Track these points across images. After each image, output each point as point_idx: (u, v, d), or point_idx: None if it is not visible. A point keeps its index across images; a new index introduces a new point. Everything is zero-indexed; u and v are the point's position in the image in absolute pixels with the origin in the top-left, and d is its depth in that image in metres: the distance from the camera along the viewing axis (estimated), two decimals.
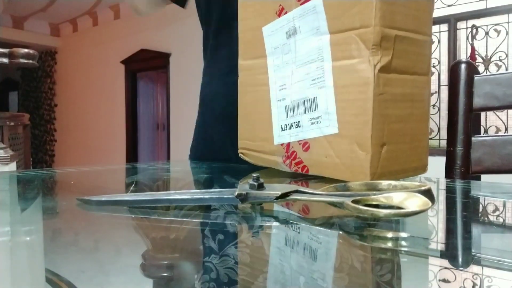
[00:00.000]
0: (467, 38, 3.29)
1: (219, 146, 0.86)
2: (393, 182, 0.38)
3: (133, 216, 0.39)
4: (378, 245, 0.31)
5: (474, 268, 0.26)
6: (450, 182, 0.64)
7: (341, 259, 0.27)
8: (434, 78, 3.44)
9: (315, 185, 0.52)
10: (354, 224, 0.34)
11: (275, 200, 0.36)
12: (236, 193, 0.37)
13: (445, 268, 0.26)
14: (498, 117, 3.14)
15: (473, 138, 0.74)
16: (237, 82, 0.66)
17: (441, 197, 0.50)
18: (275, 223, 0.36)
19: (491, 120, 3.17)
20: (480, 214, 0.43)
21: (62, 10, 6.25)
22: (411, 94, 0.52)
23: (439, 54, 3.40)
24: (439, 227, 0.38)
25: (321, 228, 0.34)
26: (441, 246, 0.31)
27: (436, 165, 0.74)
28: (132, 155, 6.17)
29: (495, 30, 3.17)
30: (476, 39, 3.24)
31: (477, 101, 0.74)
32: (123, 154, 6.18)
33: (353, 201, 0.32)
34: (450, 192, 0.55)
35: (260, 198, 0.37)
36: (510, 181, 0.56)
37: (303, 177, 0.58)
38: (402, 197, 0.33)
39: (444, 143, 3.27)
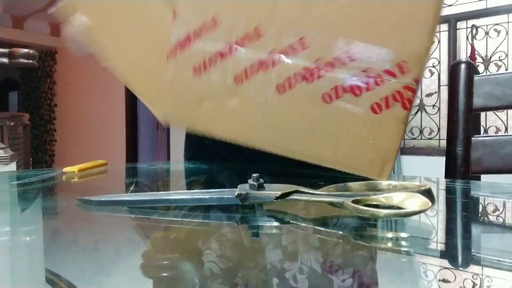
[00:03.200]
0: (467, 38, 3.29)
1: (212, 146, 0.85)
2: (393, 182, 0.38)
3: (133, 216, 0.39)
4: (378, 245, 0.31)
5: (474, 268, 0.26)
6: (450, 182, 0.64)
7: (341, 259, 0.27)
8: (434, 78, 3.45)
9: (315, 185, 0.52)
10: (354, 224, 0.34)
11: (275, 200, 0.36)
12: (236, 193, 0.37)
13: (445, 268, 0.26)
14: (498, 117, 3.14)
15: (473, 138, 0.74)
16: None
17: (441, 197, 0.50)
18: (275, 223, 0.36)
19: (491, 120, 3.17)
20: (480, 214, 0.43)
21: None
22: None
23: (439, 54, 3.40)
24: (439, 227, 0.38)
25: (321, 228, 0.34)
26: (441, 246, 0.31)
27: (436, 165, 0.74)
28: (132, 155, 6.17)
29: (495, 30, 3.17)
30: (476, 39, 3.24)
31: (477, 101, 0.74)
32: (123, 154, 6.18)
33: (353, 201, 0.32)
34: (450, 192, 0.55)
35: (260, 198, 0.37)
36: (510, 181, 0.56)
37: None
38: (402, 197, 0.33)
39: (444, 143, 3.27)
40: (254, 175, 0.37)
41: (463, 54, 3.32)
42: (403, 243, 0.31)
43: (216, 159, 0.83)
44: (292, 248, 0.29)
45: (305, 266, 0.25)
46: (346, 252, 0.29)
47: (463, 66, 0.76)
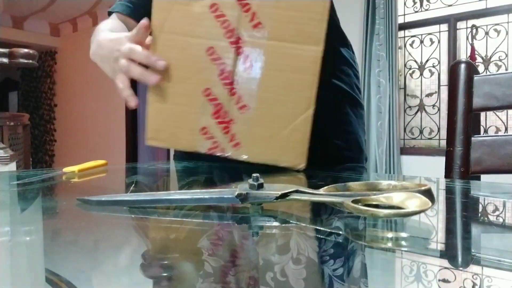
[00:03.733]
0: (467, 38, 3.29)
1: None
2: (393, 182, 0.38)
3: (133, 216, 0.39)
4: (378, 245, 0.31)
5: (474, 268, 0.26)
6: (450, 182, 0.64)
7: (340, 259, 0.27)
8: (434, 78, 3.45)
9: (315, 185, 0.52)
10: (354, 224, 0.34)
11: (275, 200, 0.36)
12: (236, 193, 0.37)
13: (445, 268, 0.26)
14: (498, 117, 3.14)
15: (472, 138, 0.74)
16: None
17: (441, 197, 0.50)
18: (275, 223, 0.36)
19: (491, 120, 3.17)
20: (480, 214, 0.43)
21: (62, 10, 6.24)
22: None
23: (439, 54, 3.40)
24: (439, 227, 0.38)
25: (321, 228, 0.34)
26: (441, 246, 0.31)
27: (436, 165, 0.74)
28: (132, 155, 6.17)
29: (495, 30, 3.18)
30: (476, 39, 3.24)
31: (477, 101, 0.74)
32: (123, 154, 6.18)
33: (353, 201, 0.32)
34: (450, 192, 0.55)
35: (260, 198, 0.37)
36: (510, 181, 0.56)
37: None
38: (402, 197, 0.33)
39: (444, 143, 3.27)
40: (254, 175, 0.37)
41: (463, 54, 3.32)
42: (403, 243, 0.31)
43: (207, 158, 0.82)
44: (292, 248, 0.29)
45: (305, 266, 0.25)
46: (346, 252, 0.29)
47: (463, 66, 0.76)
